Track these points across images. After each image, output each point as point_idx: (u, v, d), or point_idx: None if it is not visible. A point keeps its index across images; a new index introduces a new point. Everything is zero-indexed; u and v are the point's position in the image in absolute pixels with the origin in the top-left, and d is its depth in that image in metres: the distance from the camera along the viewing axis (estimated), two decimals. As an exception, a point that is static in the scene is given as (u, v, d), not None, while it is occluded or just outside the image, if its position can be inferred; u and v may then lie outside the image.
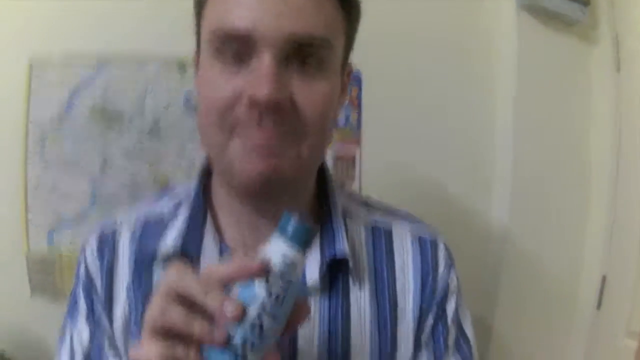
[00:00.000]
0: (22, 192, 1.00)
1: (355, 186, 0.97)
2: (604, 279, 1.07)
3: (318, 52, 0.45)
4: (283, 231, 0.38)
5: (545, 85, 1.04)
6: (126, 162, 0.99)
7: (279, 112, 0.43)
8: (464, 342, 0.58)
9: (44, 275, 1.00)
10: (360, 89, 0.95)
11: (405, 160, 0.99)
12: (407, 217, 0.60)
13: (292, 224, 0.37)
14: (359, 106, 0.97)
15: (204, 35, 0.48)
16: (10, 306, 1.02)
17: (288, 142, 0.46)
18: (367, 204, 0.61)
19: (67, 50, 1.00)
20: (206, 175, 0.57)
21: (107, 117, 0.99)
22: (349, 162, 0.97)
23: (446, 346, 0.56)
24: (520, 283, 1.05)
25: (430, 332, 0.56)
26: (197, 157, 1.00)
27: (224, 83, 0.44)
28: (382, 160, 0.98)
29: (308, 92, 0.45)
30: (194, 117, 0.99)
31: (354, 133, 0.97)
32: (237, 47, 0.44)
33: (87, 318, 0.54)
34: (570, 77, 1.08)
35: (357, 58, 0.54)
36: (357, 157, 0.97)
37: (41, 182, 1.00)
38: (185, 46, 0.93)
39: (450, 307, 0.57)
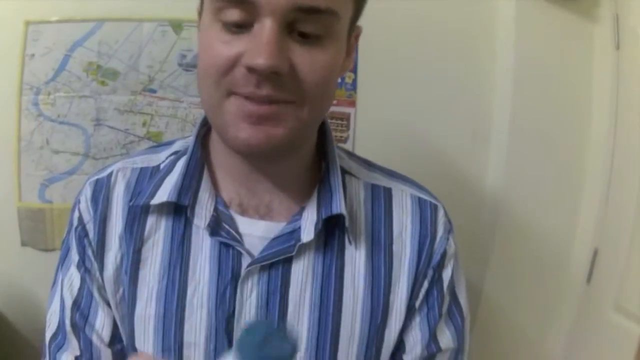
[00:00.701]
0: (15, 146, 1.01)
1: (349, 146, 0.97)
2: (595, 252, 1.07)
3: (323, 22, 0.43)
4: (238, 349, 0.36)
5: (544, 61, 1.03)
6: (120, 118, 0.99)
7: (278, 80, 0.43)
8: (457, 311, 0.57)
9: (34, 227, 1.01)
10: (356, 51, 0.94)
11: (400, 121, 0.98)
12: (407, 180, 0.60)
13: (247, 343, 0.36)
14: (354, 67, 0.96)
15: None
16: (0, 257, 1.03)
17: (285, 109, 0.45)
18: (368, 163, 0.60)
19: (63, 11, 0.99)
20: (204, 130, 0.56)
21: (102, 74, 0.99)
22: (343, 123, 0.96)
23: (440, 313, 0.55)
24: (511, 250, 1.05)
25: (425, 297, 0.55)
26: (189, 115, 1.00)
27: (224, 45, 0.43)
28: (376, 122, 0.98)
29: (309, 61, 0.44)
30: (187, 76, 0.99)
31: (349, 94, 0.97)
32: (239, 10, 0.42)
33: (78, 265, 0.54)
34: (570, 53, 1.07)
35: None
36: (352, 117, 0.96)
37: (34, 137, 1.00)
38: (181, 7, 0.95)
39: (447, 274, 0.56)
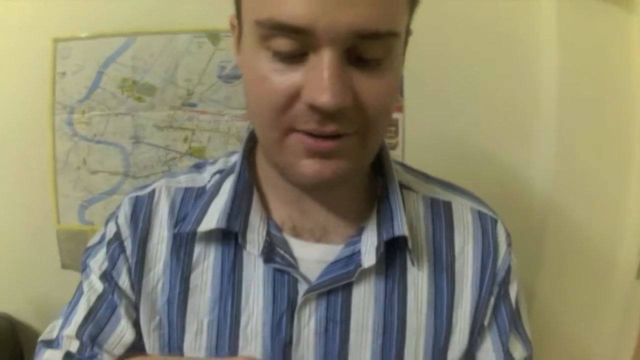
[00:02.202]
0: (50, 167, 0.99)
1: (398, 153, 0.94)
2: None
3: (383, 45, 0.40)
4: None
5: (587, 59, 1.01)
6: (159, 134, 0.96)
7: (342, 115, 0.39)
8: (520, 321, 0.55)
9: (75, 249, 0.98)
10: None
11: (447, 124, 0.96)
12: (466, 192, 0.57)
13: None
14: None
15: (247, 15, 0.41)
16: (41, 280, 1.02)
17: (350, 142, 0.42)
18: (425, 176, 0.58)
19: (92, 27, 0.97)
20: (249, 146, 0.53)
21: (138, 90, 0.96)
22: (391, 129, 0.94)
23: (510, 329, 0.53)
24: (562, 251, 1.02)
25: (493, 315, 0.53)
26: (232, 128, 0.96)
27: (278, 76, 0.39)
28: (425, 126, 0.95)
29: (372, 89, 0.40)
30: (227, 88, 0.96)
31: (397, 99, 0.94)
32: (292, 40, 0.38)
33: (103, 276, 0.50)
34: (612, 50, 1.05)
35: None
36: (400, 123, 0.94)
37: (70, 157, 0.98)
38: (217, 17, 0.93)
39: (513, 289, 0.54)
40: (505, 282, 0.53)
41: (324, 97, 0.37)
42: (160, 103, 0.96)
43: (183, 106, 0.95)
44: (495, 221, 0.55)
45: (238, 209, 0.49)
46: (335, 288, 0.48)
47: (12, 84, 1.00)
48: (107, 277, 0.50)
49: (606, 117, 1.03)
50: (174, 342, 0.50)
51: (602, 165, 1.03)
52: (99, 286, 0.50)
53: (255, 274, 0.49)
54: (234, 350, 0.49)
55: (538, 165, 1.01)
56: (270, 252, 0.48)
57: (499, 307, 0.53)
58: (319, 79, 0.37)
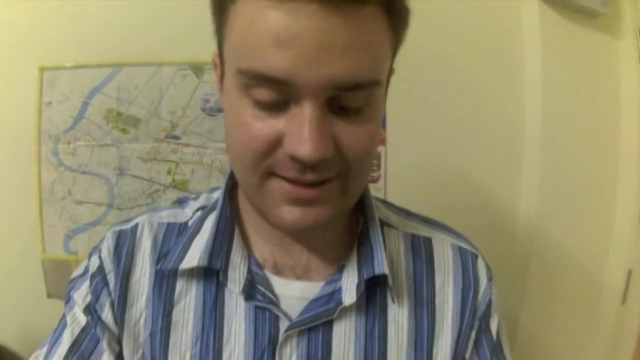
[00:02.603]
0: (36, 198, 0.99)
1: (380, 185, 0.95)
2: (630, 273, 1.06)
3: (365, 94, 0.40)
4: None
5: (571, 79, 1.02)
6: (143, 166, 0.97)
7: (323, 163, 0.39)
8: (503, 354, 0.55)
9: (61, 278, 0.99)
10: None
11: (431, 154, 0.97)
12: (445, 228, 0.58)
13: None
14: (381, 105, 0.94)
15: (229, 61, 0.42)
16: (26, 309, 1.02)
17: (331, 188, 0.42)
18: (405, 212, 0.59)
19: (79, 56, 0.98)
20: (233, 184, 0.54)
21: (122, 121, 0.97)
22: (374, 162, 0.94)
23: (494, 357, 0.53)
24: (547, 278, 1.03)
25: (474, 348, 0.53)
26: (215, 161, 0.98)
27: (259, 123, 0.39)
28: (407, 157, 0.96)
29: (353, 136, 0.40)
30: (211, 121, 0.97)
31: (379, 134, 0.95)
32: (272, 91, 0.38)
33: (87, 310, 0.50)
34: (596, 69, 1.06)
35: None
36: (383, 156, 0.95)
37: (55, 187, 0.99)
38: (202, 49, 0.93)
39: (494, 323, 0.54)
40: (486, 315, 0.54)
41: (305, 150, 0.38)
42: (145, 135, 0.97)
43: (167, 138, 0.97)
44: (476, 256, 0.55)
45: (220, 247, 0.49)
46: (316, 325, 0.48)
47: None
48: (90, 310, 0.51)
49: (591, 142, 1.04)
50: None
51: (587, 189, 1.04)
52: (82, 319, 0.51)
53: (236, 311, 0.49)
54: None
55: (522, 192, 1.02)
56: (251, 290, 0.49)
57: (480, 341, 0.53)
58: (299, 131, 0.38)
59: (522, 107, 1.01)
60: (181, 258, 0.50)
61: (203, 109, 0.96)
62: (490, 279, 0.55)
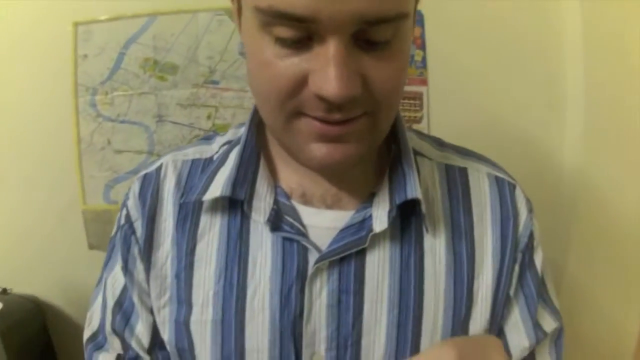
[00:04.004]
0: (75, 149, 0.99)
1: (424, 126, 0.94)
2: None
3: (392, 27, 0.37)
4: None
5: (612, 18, 0.98)
6: (183, 112, 0.96)
7: (350, 102, 0.37)
8: (546, 289, 0.52)
9: (102, 230, 0.99)
10: (423, 28, 0.91)
11: (473, 96, 0.95)
12: (481, 158, 0.55)
13: None
14: (422, 45, 0.93)
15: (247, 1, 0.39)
16: (68, 261, 1.03)
17: (360, 124, 0.40)
18: (439, 142, 0.56)
19: (113, 9, 0.97)
20: (259, 116, 0.50)
21: (160, 69, 0.97)
22: (416, 102, 0.93)
23: (538, 299, 0.50)
24: (592, 226, 1.00)
25: (519, 284, 0.50)
26: (255, 105, 0.96)
27: (283, 62, 0.37)
28: (450, 98, 0.94)
29: (381, 72, 0.38)
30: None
31: (420, 72, 0.93)
32: (294, 29, 0.36)
33: (122, 268, 0.50)
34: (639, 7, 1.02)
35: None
36: (425, 96, 0.93)
37: (94, 138, 0.99)
38: None
39: (539, 257, 0.51)
40: (529, 248, 0.51)
41: (331, 89, 0.35)
42: (183, 81, 0.96)
43: (206, 84, 0.96)
44: (514, 186, 0.52)
45: (244, 177, 0.47)
46: (348, 256, 0.46)
47: (35, 69, 1.01)
48: (126, 266, 0.50)
49: (635, 85, 1.01)
50: (181, 317, 0.48)
51: (634, 134, 1.01)
52: (121, 277, 0.50)
53: (262, 243, 0.47)
54: (240, 323, 0.46)
55: (566, 136, 0.99)
56: (277, 220, 0.47)
57: (524, 276, 0.50)
58: (325, 70, 0.36)
59: (563, 50, 0.98)
60: (205, 190, 0.48)
61: (241, 53, 0.95)
62: (530, 211, 0.52)
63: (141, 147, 0.97)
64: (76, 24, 1.00)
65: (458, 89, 0.94)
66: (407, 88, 0.93)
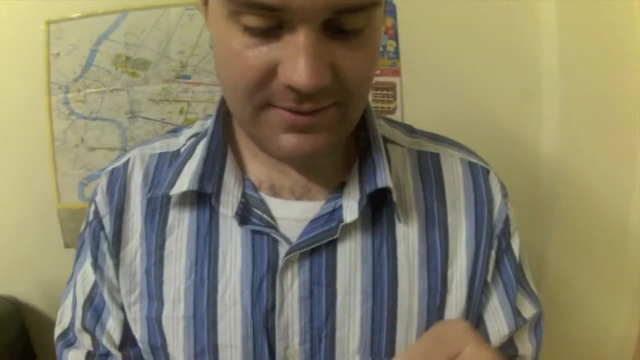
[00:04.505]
0: (49, 147, 0.99)
1: (397, 117, 0.93)
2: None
3: (364, 15, 0.37)
4: None
5: (587, 7, 0.99)
6: (155, 108, 0.96)
7: (320, 92, 0.36)
8: (525, 275, 0.52)
9: (77, 228, 0.98)
10: (395, 18, 0.91)
11: (447, 86, 0.94)
12: (454, 143, 0.54)
13: None
14: (395, 36, 0.92)
15: None
16: (45, 260, 1.02)
17: (330, 114, 0.39)
18: (410, 129, 0.55)
19: (85, 6, 0.97)
20: (225, 107, 0.49)
21: (131, 65, 0.96)
22: (389, 93, 0.92)
23: (516, 284, 0.50)
24: (572, 214, 1.00)
25: (497, 270, 0.49)
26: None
27: (251, 52, 0.36)
28: (423, 89, 0.94)
29: (352, 61, 0.37)
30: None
31: (393, 62, 0.93)
32: (262, 18, 0.35)
33: (92, 264, 0.49)
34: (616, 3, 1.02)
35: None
36: (398, 87, 0.92)
37: (68, 136, 0.98)
38: None
39: (516, 242, 0.50)
40: (506, 234, 0.50)
41: (301, 79, 0.35)
42: (155, 77, 0.95)
43: (177, 79, 0.95)
44: (487, 171, 0.51)
45: (211, 170, 0.46)
46: (319, 247, 0.45)
47: (8, 68, 1.00)
48: (95, 263, 0.49)
49: (611, 73, 1.00)
50: (152, 314, 0.47)
51: (610, 121, 1.00)
52: (91, 274, 0.49)
53: (231, 237, 0.46)
54: (212, 319, 0.46)
55: (542, 125, 0.99)
56: (245, 214, 0.46)
57: (502, 262, 0.50)
58: (295, 59, 0.35)
59: (538, 39, 0.97)
60: (172, 184, 0.47)
61: (212, 47, 0.94)
62: (505, 195, 0.51)
63: (114, 143, 0.96)
64: (48, 23, 0.99)
65: (432, 79, 0.94)
66: (380, 79, 0.92)
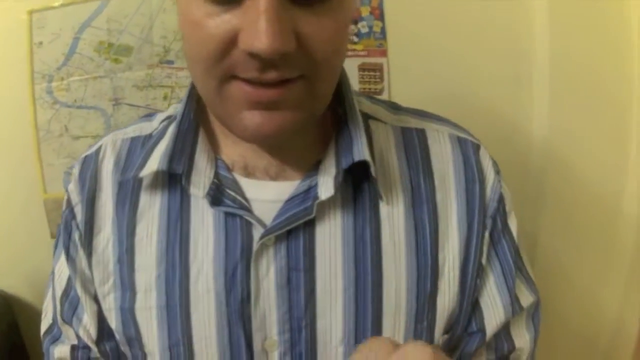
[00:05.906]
0: (33, 137, 0.97)
1: (384, 98, 0.92)
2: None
3: None
4: None
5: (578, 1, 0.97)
6: (139, 94, 0.94)
7: (285, 59, 0.35)
8: (522, 259, 0.50)
9: (63, 218, 0.97)
10: (381, -1, 0.89)
11: (436, 67, 0.92)
12: (441, 119, 0.52)
13: None
14: (381, 16, 0.90)
15: None
16: (32, 252, 1.00)
17: (297, 88, 0.38)
18: (395, 107, 0.53)
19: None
20: (197, 91, 0.48)
21: (114, 51, 0.94)
22: (376, 74, 0.91)
23: (515, 267, 0.47)
24: (564, 197, 0.99)
25: (494, 251, 0.47)
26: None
27: (212, 21, 0.35)
28: (411, 70, 0.92)
29: (318, 30, 0.36)
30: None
31: (379, 43, 0.91)
32: None
33: (68, 257, 0.48)
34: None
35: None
36: (385, 68, 0.91)
37: (52, 125, 0.96)
38: None
39: (513, 224, 0.48)
40: (501, 213, 0.47)
41: (261, 42, 0.33)
42: (138, 63, 0.93)
43: (161, 64, 0.93)
44: (478, 146, 0.49)
45: (181, 150, 0.44)
46: (295, 229, 0.42)
47: (-10, 59, 0.99)
48: (67, 254, 0.48)
49: (602, 57, 0.99)
50: (125, 304, 0.46)
51: (601, 106, 0.99)
52: (66, 269, 0.48)
53: (203, 221, 0.44)
54: (186, 309, 0.43)
55: (534, 111, 0.97)
56: (218, 194, 0.44)
57: (500, 244, 0.47)
58: (255, 24, 0.33)
59: (529, 21, 0.96)
60: (142, 166, 0.45)
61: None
62: (497, 173, 0.49)
63: (98, 131, 0.95)
64: (31, 12, 0.97)
65: (420, 60, 0.92)
66: (367, 59, 0.91)
